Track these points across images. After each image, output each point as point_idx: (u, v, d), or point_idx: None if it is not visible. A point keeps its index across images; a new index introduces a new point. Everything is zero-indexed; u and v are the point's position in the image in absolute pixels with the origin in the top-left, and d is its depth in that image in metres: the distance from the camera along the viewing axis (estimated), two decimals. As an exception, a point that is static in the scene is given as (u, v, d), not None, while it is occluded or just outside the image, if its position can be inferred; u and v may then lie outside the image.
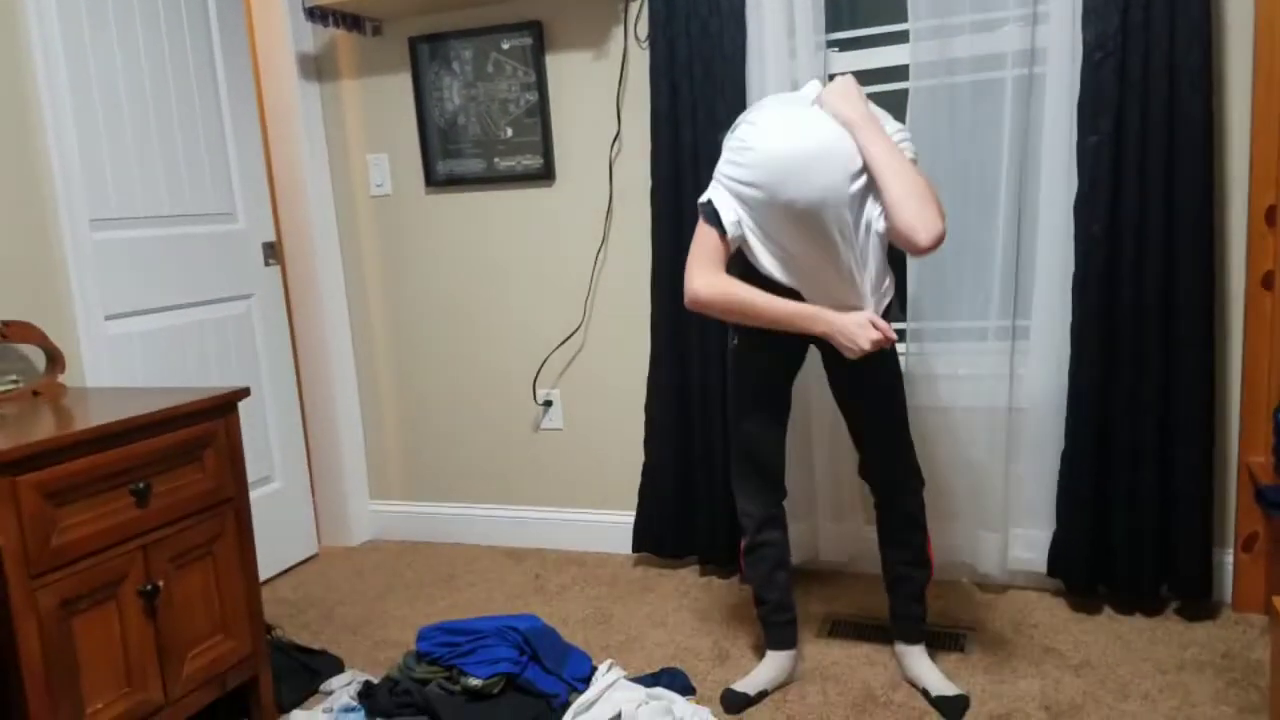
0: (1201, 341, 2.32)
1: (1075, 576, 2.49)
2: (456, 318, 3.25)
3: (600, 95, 2.93)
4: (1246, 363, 2.37)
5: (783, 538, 2.20)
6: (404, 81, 3.14)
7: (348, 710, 2.19)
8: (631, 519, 3.03)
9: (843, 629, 2.50)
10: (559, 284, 3.09)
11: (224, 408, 2.08)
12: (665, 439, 2.88)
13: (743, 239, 1.96)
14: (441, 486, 3.38)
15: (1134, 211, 2.32)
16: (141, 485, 1.88)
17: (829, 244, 1.89)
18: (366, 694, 2.23)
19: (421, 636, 2.27)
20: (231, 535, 2.11)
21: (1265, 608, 2.42)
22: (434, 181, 3.17)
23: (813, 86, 2.03)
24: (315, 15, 2.95)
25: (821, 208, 1.84)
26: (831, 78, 2.58)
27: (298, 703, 2.32)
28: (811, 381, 2.62)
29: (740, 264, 2.02)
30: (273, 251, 3.14)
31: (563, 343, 3.12)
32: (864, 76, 2.70)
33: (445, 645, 2.22)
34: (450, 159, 3.13)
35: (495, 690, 2.12)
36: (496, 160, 3.07)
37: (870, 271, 1.94)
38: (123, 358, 2.61)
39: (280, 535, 3.17)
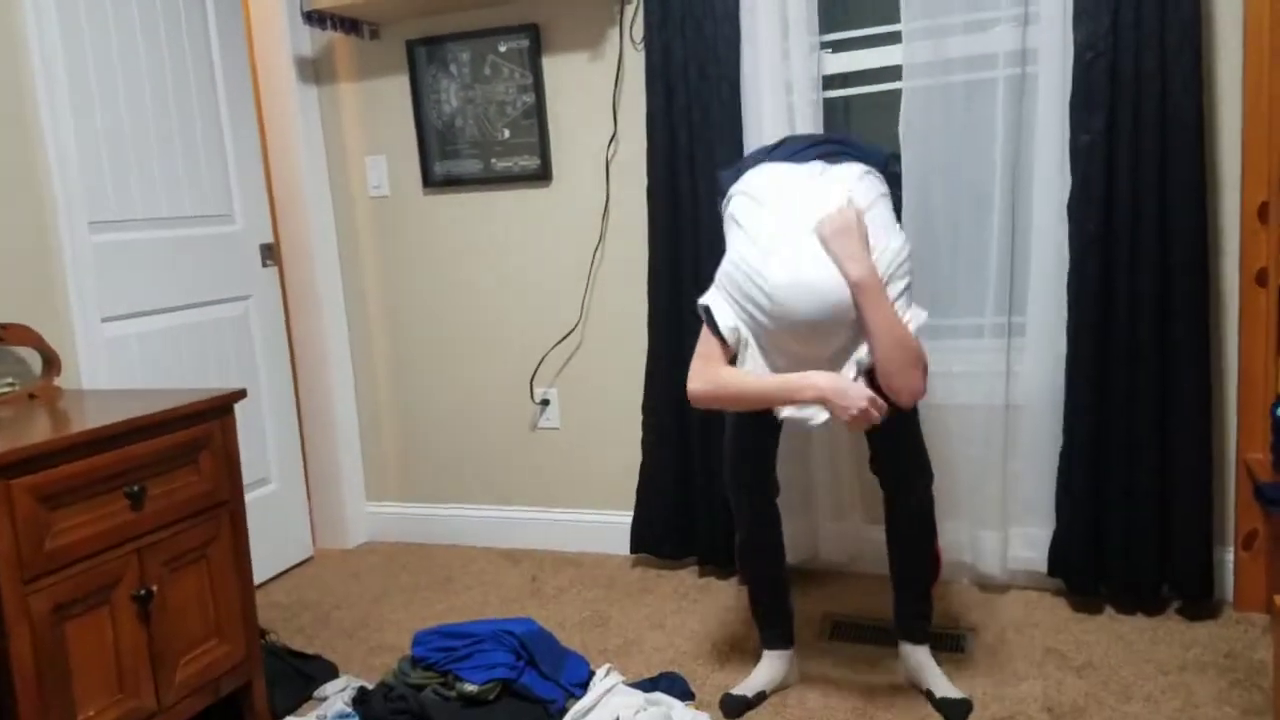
0: (1197, 338, 2.32)
1: (1076, 576, 2.48)
2: (454, 318, 3.25)
3: (597, 97, 2.93)
4: (1243, 359, 2.36)
5: (776, 533, 2.19)
6: (402, 84, 3.14)
7: (342, 716, 2.18)
8: (629, 519, 3.02)
9: (843, 630, 2.49)
10: (556, 283, 3.09)
11: (220, 410, 2.07)
12: (663, 438, 2.88)
13: (741, 342, 1.99)
14: (438, 487, 3.38)
15: (1127, 209, 2.33)
16: (136, 488, 1.87)
17: (825, 345, 1.92)
18: (361, 700, 2.22)
19: (417, 641, 2.26)
20: (226, 538, 2.10)
21: (1267, 607, 2.41)
22: (431, 183, 3.16)
23: (813, 169, 2.05)
24: (313, 18, 2.95)
25: (822, 330, 1.89)
26: (831, 70, 2.57)
27: (292, 709, 2.30)
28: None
29: None
30: (270, 253, 3.14)
31: (560, 341, 3.12)
32: (857, 77, 2.70)
33: (441, 650, 2.21)
34: (448, 160, 3.13)
35: (491, 696, 2.10)
36: (494, 161, 3.07)
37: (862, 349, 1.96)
38: (120, 360, 2.61)
39: (276, 538, 3.17)
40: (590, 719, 2.07)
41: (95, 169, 2.54)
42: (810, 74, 2.57)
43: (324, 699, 2.31)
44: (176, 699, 1.97)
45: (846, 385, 1.87)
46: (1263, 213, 2.30)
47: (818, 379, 1.89)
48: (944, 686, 2.12)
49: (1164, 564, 2.42)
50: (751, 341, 1.97)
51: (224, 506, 2.09)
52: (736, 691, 2.17)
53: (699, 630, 2.56)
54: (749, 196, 2.03)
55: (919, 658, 2.19)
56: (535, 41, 2.94)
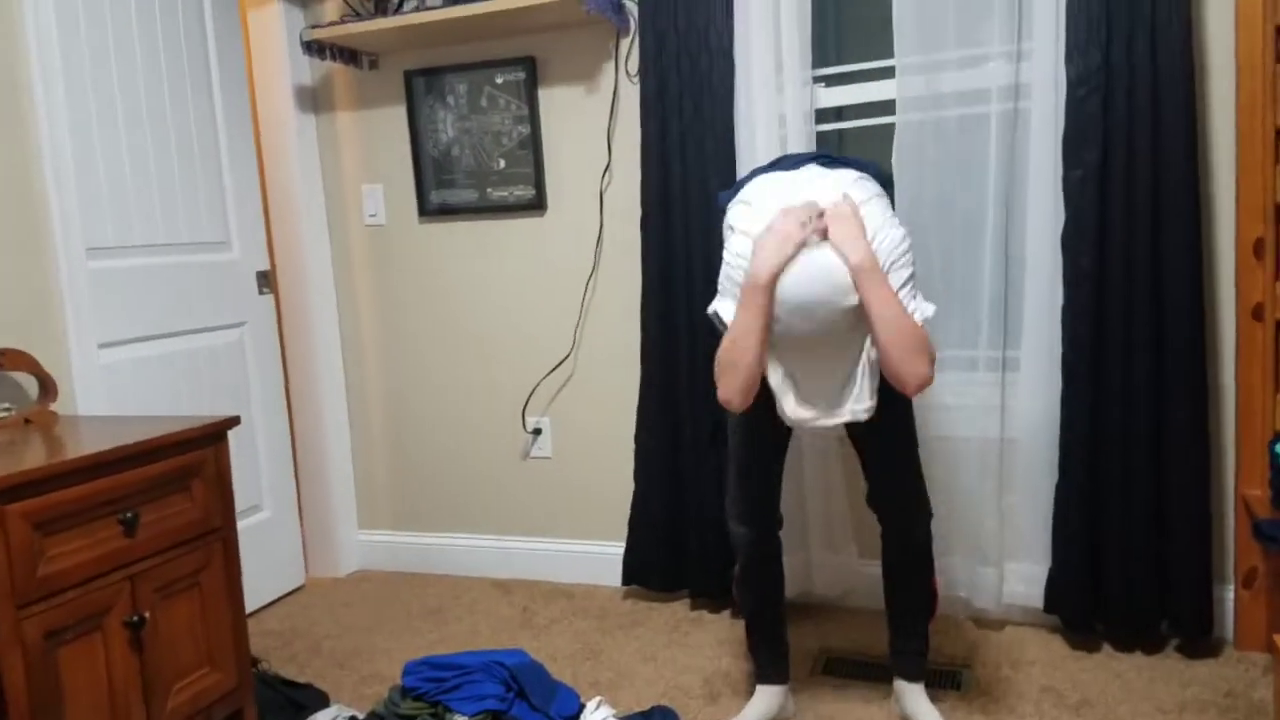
0: (1194, 373, 2.32)
1: (1072, 613, 2.47)
2: (448, 346, 3.25)
3: (591, 128, 2.95)
4: (1240, 395, 2.36)
5: (776, 566, 2.18)
6: (399, 114, 3.17)
7: (333, 745, 2.16)
8: (621, 550, 3.01)
9: (837, 666, 2.47)
10: (549, 312, 3.10)
11: (213, 437, 2.07)
12: (656, 469, 2.87)
13: None
14: (431, 516, 3.37)
15: (1121, 244, 2.33)
16: (130, 514, 1.86)
17: (828, 331, 1.90)
18: (353, 729, 2.20)
19: (407, 671, 2.24)
20: (219, 566, 2.09)
21: (1268, 646, 2.38)
22: (427, 211, 3.18)
23: (809, 173, 2.04)
24: (312, 49, 2.99)
25: (822, 314, 1.87)
26: (824, 102, 2.59)
27: (283, 737, 2.29)
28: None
29: None
30: (267, 280, 3.14)
31: (552, 371, 3.12)
32: (851, 111, 2.73)
33: (431, 680, 2.19)
34: (444, 189, 3.15)
35: (483, 726, 2.09)
36: (489, 190, 3.09)
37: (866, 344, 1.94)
38: (115, 385, 2.60)
39: (268, 565, 3.15)
40: (582, 752, 2.06)
41: (93, 195, 2.55)
42: (804, 107, 2.60)
43: (314, 729, 2.30)
44: (165, 728, 1.95)
45: (777, 220, 1.86)
46: (1258, 248, 2.31)
47: (758, 251, 1.85)
48: (939, 725, 2.09)
49: (1163, 601, 2.41)
50: None
51: (217, 534, 2.08)
52: (730, 725, 2.15)
53: (691, 664, 2.55)
54: (745, 203, 2.01)
55: (914, 696, 2.16)
56: (531, 74, 2.97)
